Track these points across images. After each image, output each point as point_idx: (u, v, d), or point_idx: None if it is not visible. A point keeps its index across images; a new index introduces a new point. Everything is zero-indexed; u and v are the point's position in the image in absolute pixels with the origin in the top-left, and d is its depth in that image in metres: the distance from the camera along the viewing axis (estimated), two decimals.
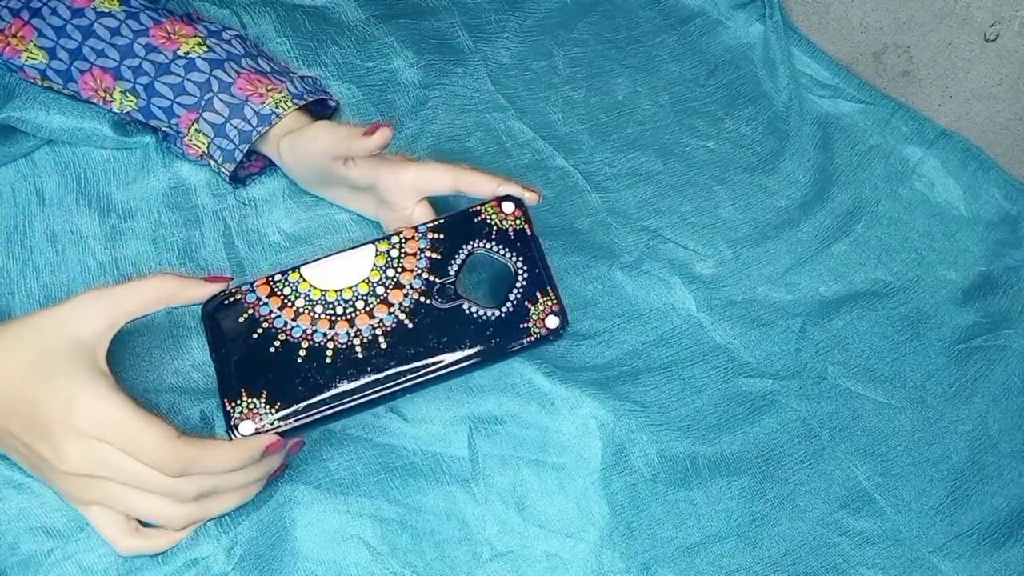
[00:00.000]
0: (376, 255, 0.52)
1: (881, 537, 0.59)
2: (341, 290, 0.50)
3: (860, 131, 0.77)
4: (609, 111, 0.74)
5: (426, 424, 0.56)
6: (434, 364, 0.49)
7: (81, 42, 0.59)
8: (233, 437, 0.47)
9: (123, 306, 0.46)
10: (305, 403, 0.48)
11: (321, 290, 0.50)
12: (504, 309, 0.51)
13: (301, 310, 0.50)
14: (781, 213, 0.72)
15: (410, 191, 0.56)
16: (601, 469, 0.56)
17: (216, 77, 0.58)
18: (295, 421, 0.48)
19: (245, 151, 0.58)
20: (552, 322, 0.50)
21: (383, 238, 0.52)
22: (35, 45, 0.59)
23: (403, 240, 0.52)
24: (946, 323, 0.69)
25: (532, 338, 0.50)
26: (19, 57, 0.59)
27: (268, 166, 0.63)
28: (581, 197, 0.69)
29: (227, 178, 0.60)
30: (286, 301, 0.50)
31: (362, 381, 0.49)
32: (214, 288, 0.49)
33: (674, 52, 0.79)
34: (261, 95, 0.58)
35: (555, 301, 0.51)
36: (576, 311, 0.63)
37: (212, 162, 0.59)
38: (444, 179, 0.55)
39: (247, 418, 0.48)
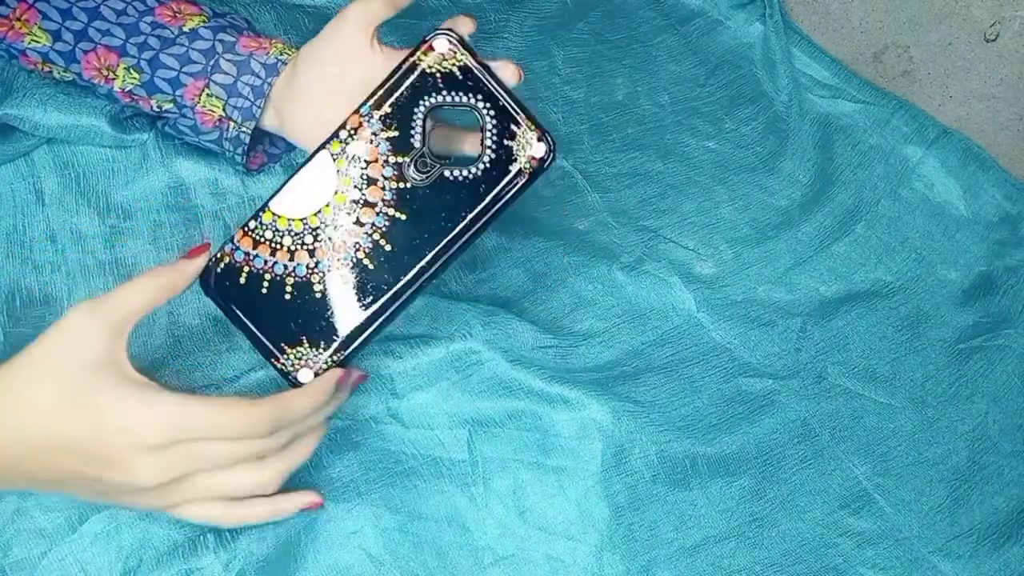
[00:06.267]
0: (334, 160, 0.48)
1: (881, 537, 0.59)
2: (319, 211, 0.48)
3: (860, 131, 0.77)
4: (609, 111, 0.74)
5: (425, 428, 0.55)
6: (443, 244, 0.47)
7: (87, 23, 0.59)
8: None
9: (119, 315, 0.45)
10: (345, 331, 0.48)
11: (300, 220, 0.48)
12: (486, 159, 0.47)
13: (293, 247, 0.48)
14: (781, 213, 0.72)
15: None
16: (601, 471, 0.56)
17: (220, 40, 0.58)
18: (347, 350, 0.48)
19: (263, 105, 0.57)
20: (539, 150, 0.46)
21: (331, 138, 0.48)
22: (39, 28, 0.58)
23: (351, 132, 0.48)
24: (946, 323, 0.69)
25: (527, 176, 0.46)
26: (22, 41, 0.59)
27: (266, 164, 0.63)
28: (581, 197, 0.69)
29: (245, 141, 0.58)
30: (274, 245, 0.48)
31: (385, 289, 0.48)
32: (201, 261, 0.48)
33: (674, 52, 0.78)
34: (264, 48, 0.58)
35: (534, 127, 0.46)
36: (576, 311, 0.63)
37: (232, 124, 0.58)
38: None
39: (303, 367, 0.48)
